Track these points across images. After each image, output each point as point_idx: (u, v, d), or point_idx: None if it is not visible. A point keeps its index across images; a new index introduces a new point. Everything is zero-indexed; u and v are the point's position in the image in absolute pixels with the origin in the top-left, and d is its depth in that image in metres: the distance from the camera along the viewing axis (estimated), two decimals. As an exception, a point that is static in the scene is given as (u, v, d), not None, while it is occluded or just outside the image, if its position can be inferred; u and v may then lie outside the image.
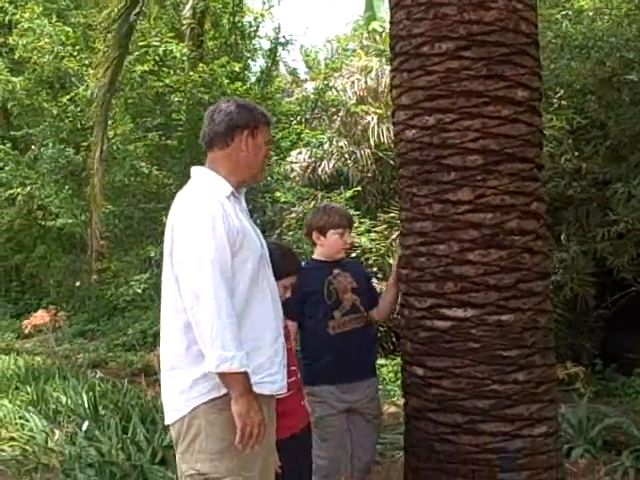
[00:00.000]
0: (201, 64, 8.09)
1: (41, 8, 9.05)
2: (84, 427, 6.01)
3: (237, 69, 8.31)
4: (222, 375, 2.70)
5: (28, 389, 7.90)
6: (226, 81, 8.09)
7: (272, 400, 2.99)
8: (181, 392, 2.85)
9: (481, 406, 3.53)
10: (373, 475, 5.10)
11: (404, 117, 3.78)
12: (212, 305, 2.69)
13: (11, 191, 9.76)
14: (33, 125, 9.85)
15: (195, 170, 3.05)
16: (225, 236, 2.78)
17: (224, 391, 2.75)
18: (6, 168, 10.48)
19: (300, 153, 10.83)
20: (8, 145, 10.08)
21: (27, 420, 6.73)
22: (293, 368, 3.43)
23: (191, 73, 7.94)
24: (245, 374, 2.71)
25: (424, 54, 3.64)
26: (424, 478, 3.71)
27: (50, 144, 8.95)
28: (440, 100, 3.61)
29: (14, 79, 9.31)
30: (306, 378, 3.72)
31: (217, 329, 2.68)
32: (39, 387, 7.90)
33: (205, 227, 2.77)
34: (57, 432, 6.32)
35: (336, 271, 3.93)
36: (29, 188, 9.26)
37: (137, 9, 6.07)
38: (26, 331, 9.96)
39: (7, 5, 10.12)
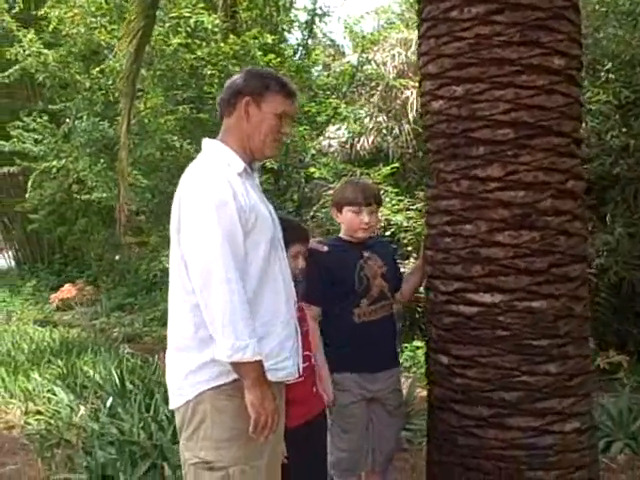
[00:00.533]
0: (232, 35, 7.87)
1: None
2: (108, 403, 5.92)
3: (270, 41, 8.06)
4: (235, 364, 2.55)
5: (59, 362, 7.87)
6: (259, 53, 7.87)
7: (282, 386, 2.81)
8: (186, 376, 2.70)
9: (509, 399, 3.29)
10: (400, 462, 4.92)
11: (431, 87, 3.52)
12: (223, 289, 2.53)
13: (46, 164, 9.72)
14: (66, 99, 9.79)
15: (206, 142, 2.86)
16: (236, 215, 2.60)
17: (233, 376, 2.60)
18: (44, 141, 10.41)
19: (339, 129, 10.57)
20: (45, 118, 10.03)
21: (55, 394, 6.68)
22: (307, 353, 3.23)
23: (222, 45, 7.73)
24: (259, 362, 2.56)
25: (452, 19, 3.38)
26: (446, 472, 3.49)
27: (84, 117, 8.86)
28: (469, 69, 3.34)
29: (46, 51, 9.21)
30: (328, 364, 3.55)
31: (229, 315, 2.52)
32: (70, 360, 7.87)
33: (214, 207, 2.59)
34: (82, 407, 6.25)
35: (366, 254, 3.64)
36: (64, 161, 9.19)
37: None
38: (54, 305, 9.94)
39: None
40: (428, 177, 3.66)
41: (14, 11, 11.21)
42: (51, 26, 9.01)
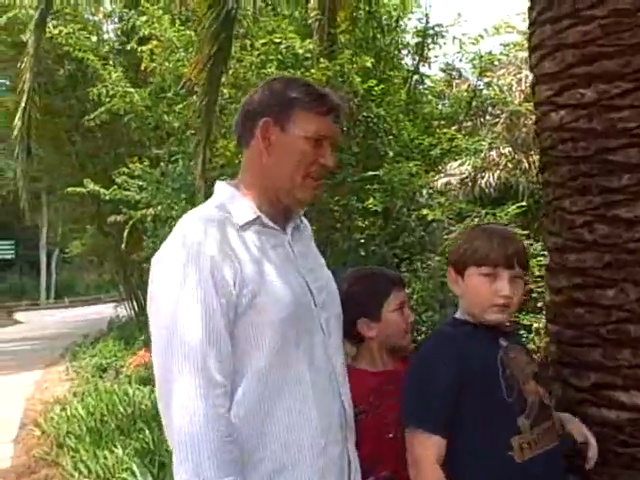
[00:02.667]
0: (322, 59, 7.04)
1: (162, 12, 8.43)
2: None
3: (369, 64, 7.18)
4: None
5: (147, 433, 7.17)
6: (357, 79, 6.99)
7: None
8: None
9: None
10: None
11: (548, 92, 2.51)
12: (184, 400, 1.71)
13: (142, 212, 9.20)
14: (156, 141, 9.29)
15: (216, 187, 2.04)
16: (214, 287, 1.76)
17: None
18: (149, 188, 9.91)
19: (462, 164, 9.55)
20: (145, 163, 9.57)
21: (133, 474, 5.96)
22: None
23: (312, 71, 6.92)
24: None
25: (577, -8, 2.36)
26: None
27: (179, 160, 8.30)
28: (604, 61, 2.33)
29: (132, 90, 8.74)
30: None
31: (189, 441, 1.69)
32: (155, 433, 7.14)
33: (180, 274, 1.77)
34: (156, 492, 5.46)
35: (504, 343, 2.14)
36: (159, 208, 8.64)
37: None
38: (129, 372, 9.33)
39: (128, 12, 9.69)
40: (548, 220, 2.61)
41: (104, 50, 10.94)
42: (143, 64, 8.52)
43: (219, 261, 1.77)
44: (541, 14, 2.51)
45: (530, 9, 2.64)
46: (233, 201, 1.93)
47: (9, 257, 32.76)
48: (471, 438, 2.02)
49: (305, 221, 2.16)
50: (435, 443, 1.99)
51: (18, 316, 27.74)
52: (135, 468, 6.03)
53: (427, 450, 1.98)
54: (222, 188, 1.99)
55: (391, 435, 2.15)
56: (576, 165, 2.40)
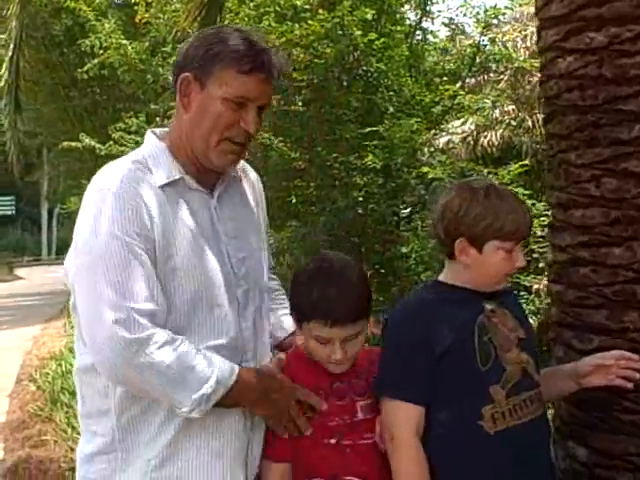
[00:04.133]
0: (321, 10, 6.81)
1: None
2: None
3: (369, 16, 6.94)
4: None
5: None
6: (358, 32, 6.76)
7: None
8: None
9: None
10: None
11: (554, 37, 2.33)
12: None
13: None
14: (150, 95, 9.07)
15: (146, 135, 1.96)
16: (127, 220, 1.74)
17: None
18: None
19: (464, 123, 9.35)
20: (142, 119, 9.37)
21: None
22: None
23: (310, 22, 6.69)
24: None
25: None
26: None
27: (174, 117, 8.08)
28: (615, 2, 2.15)
29: (125, 42, 8.51)
30: None
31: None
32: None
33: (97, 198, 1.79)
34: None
35: (488, 307, 1.99)
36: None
37: None
38: None
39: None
40: (552, 174, 2.46)
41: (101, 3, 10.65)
42: (138, 15, 8.27)
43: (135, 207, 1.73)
44: (549, -50, 2.34)
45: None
46: (157, 158, 1.83)
47: (9, 213, 32.60)
48: (443, 408, 1.91)
49: (252, 176, 2.05)
50: (412, 410, 1.88)
51: (19, 272, 27.68)
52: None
53: (407, 421, 1.88)
54: (150, 141, 1.88)
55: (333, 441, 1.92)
56: (583, 115, 2.24)
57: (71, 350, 9.17)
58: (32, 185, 31.34)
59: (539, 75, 7.46)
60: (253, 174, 2.09)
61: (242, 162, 2.00)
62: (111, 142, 9.49)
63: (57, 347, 9.91)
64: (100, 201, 1.74)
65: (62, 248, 36.69)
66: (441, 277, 2.06)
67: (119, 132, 9.79)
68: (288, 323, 2.09)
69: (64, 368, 7.94)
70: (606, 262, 2.23)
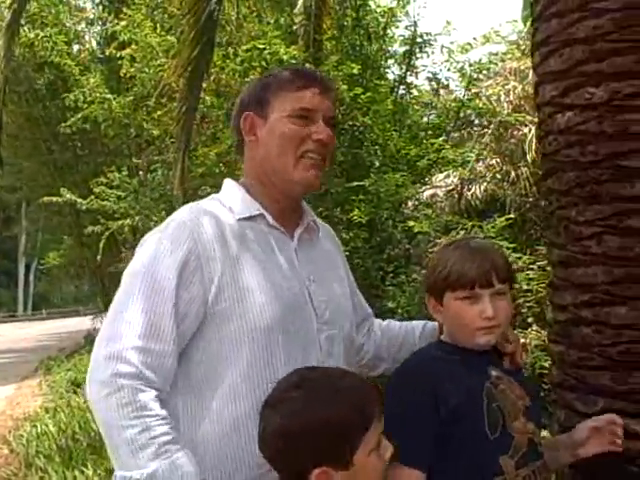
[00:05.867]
0: (307, 65, 6.83)
1: (143, 17, 8.17)
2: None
3: (355, 71, 6.97)
4: None
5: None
6: (343, 87, 6.78)
7: None
8: None
9: None
10: None
11: (553, 92, 2.30)
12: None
13: (119, 222, 8.91)
14: (133, 149, 9.06)
15: (224, 183, 1.99)
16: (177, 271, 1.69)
17: None
18: (127, 198, 9.64)
19: (448, 176, 9.38)
20: (124, 173, 9.29)
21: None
22: None
23: (297, 78, 6.66)
24: None
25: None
26: None
27: (159, 170, 8.05)
28: (615, 58, 2.12)
29: (109, 96, 8.49)
30: None
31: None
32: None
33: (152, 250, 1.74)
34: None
35: (494, 373, 1.88)
36: (137, 218, 8.35)
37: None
38: None
39: (108, 16, 9.47)
40: (551, 232, 2.40)
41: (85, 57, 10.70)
42: (123, 70, 8.26)
43: (198, 253, 1.68)
44: (547, 8, 2.30)
45: (534, 3, 2.43)
46: (237, 197, 1.83)
47: (-15, 268, 32.32)
48: (452, 476, 1.79)
49: (326, 227, 2.04)
50: (414, 476, 1.75)
51: (-7, 329, 27.22)
52: (107, 489, 5.77)
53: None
54: (228, 184, 1.90)
55: None
56: (584, 171, 2.19)
57: (47, 410, 8.91)
58: (10, 239, 31.13)
59: (523, 129, 7.42)
60: (326, 225, 2.08)
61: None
62: (92, 196, 9.39)
63: (32, 407, 9.63)
64: (163, 227, 1.76)
65: (39, 304, 36.26)
66: (442, 337, 1.97)
67: (101, 186, 9.70)
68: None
69: (39, 430, 7.69)
70: (610, 321, 2.15)
